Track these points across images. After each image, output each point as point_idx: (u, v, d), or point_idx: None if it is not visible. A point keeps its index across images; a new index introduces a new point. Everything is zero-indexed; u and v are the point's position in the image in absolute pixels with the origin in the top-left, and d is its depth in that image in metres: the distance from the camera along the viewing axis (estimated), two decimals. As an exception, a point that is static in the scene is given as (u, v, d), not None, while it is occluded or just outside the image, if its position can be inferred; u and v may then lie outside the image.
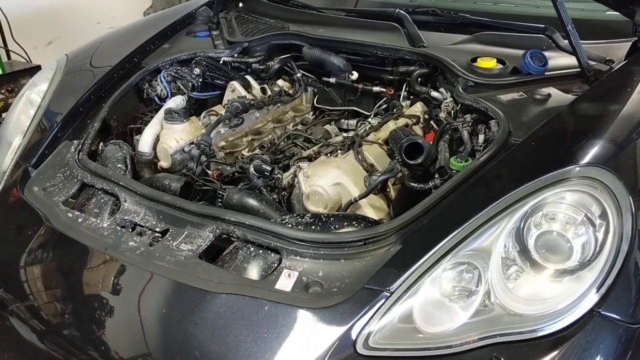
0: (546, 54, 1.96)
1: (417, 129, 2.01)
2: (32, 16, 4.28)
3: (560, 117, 1.62)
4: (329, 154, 1.89)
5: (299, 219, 1.51)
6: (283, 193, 1.82)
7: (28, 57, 4.04)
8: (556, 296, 1.26)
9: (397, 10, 2.34)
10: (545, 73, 1.91)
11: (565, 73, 1.91)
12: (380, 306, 1.25)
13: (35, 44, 4.24)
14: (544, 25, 2.07)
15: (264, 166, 1.73)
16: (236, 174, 1.90)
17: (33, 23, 4.28)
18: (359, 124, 2.21)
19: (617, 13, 2.04)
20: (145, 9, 5.01)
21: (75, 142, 1.93)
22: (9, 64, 3.77)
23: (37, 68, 3.67)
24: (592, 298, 1.24)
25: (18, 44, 3.98)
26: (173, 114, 1.95)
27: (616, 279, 1.25)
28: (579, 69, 1.85)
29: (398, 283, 1.27)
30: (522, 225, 1.33)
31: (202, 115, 2.05)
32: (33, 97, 2.15)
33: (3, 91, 3.54)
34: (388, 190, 1.71)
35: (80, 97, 2.08)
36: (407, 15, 2.30)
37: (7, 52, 3.96)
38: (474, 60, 1.98)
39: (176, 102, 2.10)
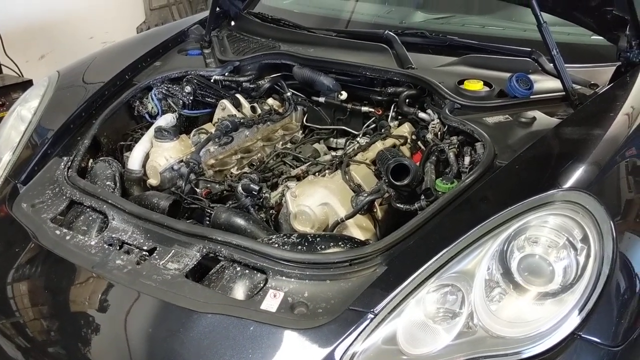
0: (532, 77, 1.99)
1: (405, 150, 2.03)
2: (24, 30, 4.29)
3: (544, 140, 1.65)
4: (317, 173, 1.91)
5: (286, 239, 1.52)
6: (271, 212, 1.84)
7: (20, 71, 4.04)
8: (538, 319, 1.28)
9: (386, 32, 2.37)
10: (531, 96, 1.94)
11: (550, 97, 1.95)
12: (365, 327, 1.26)
13: (28, 58, 4.25)
14: (530, 49, 2.10)
15: (251, 185, 1.75)
16: (225, 192, 1.91)
17: (26, 37, 4.29)
18: (347, 143, 2.24)
19: (602, 38, 2.09)
20: (139, 24, 5.03)
21: (65, 158, 1.94)
22: (0, 78, 3.78)
23: (29, 82, 3.68)
24: (574, 321, 1.26)
25: (9, 58, 3.98)
26: (163, 132, 1.96)
27: (597, 302, 1.28)
28: (564, 93, 1.88)
29: (382, 304, 1.28)
30: (505, 248, 1.35)
31: (192, 134, 2.06)
32: (24, 113, 2.16)
33: (-5, 105, 3.55)
34: (375, 210, 1.73)
35: (71, 114, 2.09)
36: (396, 37, 2.33)
37: (-1, 66, 3.97)
38: (461, 82, 2.01)
39: (166, 120, 2.11)
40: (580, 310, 1.27)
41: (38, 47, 4.45)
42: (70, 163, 1.91)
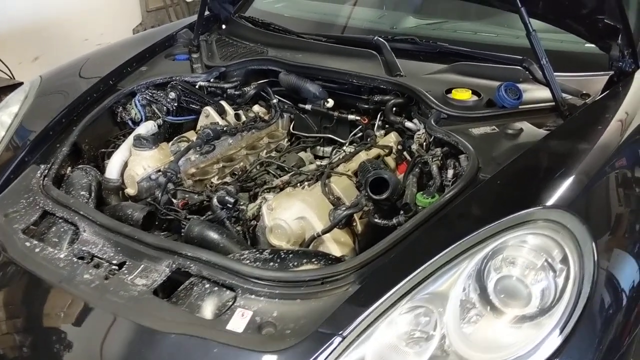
0: (523, 86, 1.94)
1: (390, 160, 1.98)
2: (18, 31, 4.26)
3: (528, 154, 1.60)
4: (298, 184, 1.86)
5: (258, 255, 1.48)
6: (252, 222, 1.78)
7: (11, 73, 4.01)
8: (515, 343, 1.23)
9: (375, 38, 2.32)
10: (520, 106, 1.88)
11: (539, 107, 1.89)
12: (332, 351, 1.21)
13: (21, 60, 4.22)
14: (522, 57, 2.05)
15: (227, 197, 1.70)
16: (205, 202, 1.86)
17: (19, 38, 4.26)
18: (334, 151, 2.19)
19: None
20: (135, 26, 5.00)
21: (42, 166, 1.90)
22: (-10, 80, 3.75)
23: (20, 85, 3.64)
24: (552, 345, 1.21)
25: (0, 60, 3.95)
26: (142, 141, 1.92)
27: (576, 326, 1.23)
28: (554, 103, 1.83)
29: (351, 327, 1.23)
30: (482, 267, 1.30)
31: (170, 142, 2.02)
32: (4, 118, 2.12)
33: (-16, 107, 3.51)
34: (354, 224, 1.68)
35: (50, 120, 2.05)
36: (386, 43, 2.28)
37: (-10, 67, 3.94)
38: (449, 91, 1.96)
39: (147, 127, 2.06)
40: (559, 335, 1.22)
41: (32, 48, 4.41)
42: (47, 171, 1.87)
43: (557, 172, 1.49)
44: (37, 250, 1.58)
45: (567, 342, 1.21)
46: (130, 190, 1.89)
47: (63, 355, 1.39)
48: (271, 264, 1.45)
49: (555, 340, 1.21)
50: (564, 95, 1.84)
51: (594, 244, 1.29)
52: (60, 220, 1.68)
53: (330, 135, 2.28)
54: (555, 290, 1.25)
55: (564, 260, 1.28)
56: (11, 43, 4.13)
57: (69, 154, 1.98)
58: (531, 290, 1.26)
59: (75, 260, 1.53)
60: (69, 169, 1.96)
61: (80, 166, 1.95)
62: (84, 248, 1.56)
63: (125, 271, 1.48)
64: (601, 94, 1.90)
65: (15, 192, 1.82)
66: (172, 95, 2.21)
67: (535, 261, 1.28)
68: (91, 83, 2.24)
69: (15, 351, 1.48)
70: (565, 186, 1.43)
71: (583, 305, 1.24)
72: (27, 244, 1.61)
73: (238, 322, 1.30)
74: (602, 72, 1.98)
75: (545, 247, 1.29)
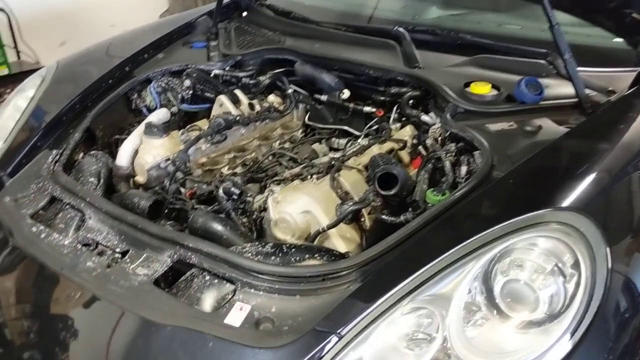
0: (546, 81, 1.86)
1: (404, 154, 1.92)
2: (45, 16, 4.28)
3: (545, 153, 1.53)
4: (310, 176, 1.82)
5: (260, 248, 1.45)
6: (262, 214, 1.75)
7: (36, 57, 4.04)
8: (521, 349, 1.19)
9: (395, 28, 2.26)
10: (541, 102, 1.81)
11: (561, 103, 1.81)
12: (328, 350, 1.17)
13: (47, 45, 4.25)
14: (546, 51, 1.97)
15: (232, 189, 1.67)
16: (213, 192, 1.84)
17: (46, 23, 4.29)
18: (349, 144, 2.14)
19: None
20: (162, 12, 5.00)
21: (55, 151, 1.90)
22: (17, 64, 3.78)
23: (45, 69, 3.67)
24: (561, 352, 1.16)
25: (26, 45, 3.99)
26: (152, 129, 1.90)
27: (587, 332, 1.17)
28: (577, 100, 1.75)
29: (349, 326, 1.19)
30: (489, 269, 1.25)
31: (180, 131, 2.00)
32: (19, 102, 2.13)
33: (9, 91, 3.55)
34: (362, 219, 1.63)
35: (64, 105, 2.05)
36: (406, 34, 2.21)
37: (17, 52, 3.96)
38: (467, 85, 1.89)
39: (159, 115, 2.04)
40: (569, 340, 1.17)
41: (59, 33, 4.43)
42: (58, 157, 1.87)
43: (574, 172, 1.43)
44: (42, 236, 1.58)
45: (577, 348, 1.17)
46: (140, 178, 1.88)
47: (64, 342, 1.39)
48: (273, 258, 1.42)
49: (565, 346, 1.17)
50: (588, 91, 1.76)
51: (608, 249, 1.23)
52: (67, 207, 1.68)
53: (345, 127, 2.22)
54: (564, 296, 1.20)
55: (575, 265, 1.22)
56: (38, 28, 4.16)
57: (83, 140, 1.98)
58: (539, 296, 1.21)
59: (80, 247, 1.53)
60: (82, 154, 1.96)
61: (91, 152, 1.94)
62: (89, 235, 1.56)
63: (128, 260, 1.47)
64: (627, 91, 1.82)
65: (26, 177, 1.83)
66: (187, 83, 2.18)
67: (544, 265, 1.23)
68: (107, 69, 2.23)
69: (22, 337, 1.49)
70: (581, 187, 1.37)
71: (594, 311, 1.19)
72: (34, 229, 1.61)
73: (236, 316, 1.28)
74: (629, 68, 1.89)
75: (555, 251, 1.24)
